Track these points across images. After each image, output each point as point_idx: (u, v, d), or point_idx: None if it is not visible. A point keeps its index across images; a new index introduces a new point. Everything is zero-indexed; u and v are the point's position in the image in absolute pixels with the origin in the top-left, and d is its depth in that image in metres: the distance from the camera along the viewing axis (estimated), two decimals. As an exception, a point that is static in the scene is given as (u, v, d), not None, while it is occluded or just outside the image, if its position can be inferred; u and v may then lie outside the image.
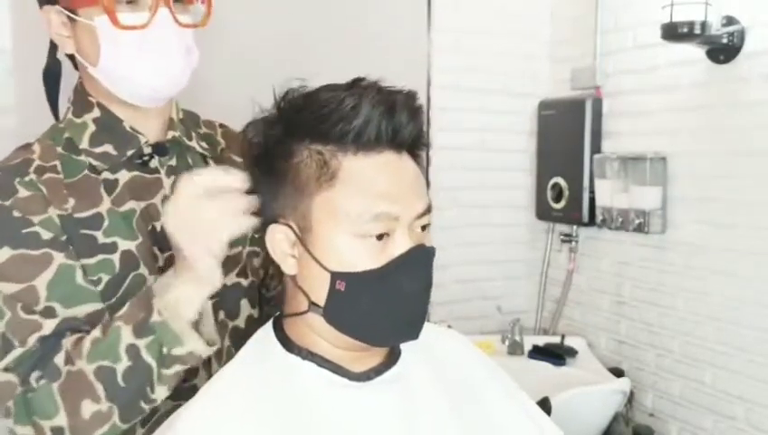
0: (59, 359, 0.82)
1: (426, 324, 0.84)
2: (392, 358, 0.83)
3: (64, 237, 0.87)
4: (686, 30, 1.72)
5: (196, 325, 0.85)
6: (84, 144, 0.93)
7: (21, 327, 0.83)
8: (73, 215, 0.89)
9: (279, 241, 0.79)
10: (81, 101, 0.96)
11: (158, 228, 0.93)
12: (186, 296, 0.82)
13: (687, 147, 1.92)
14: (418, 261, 0.77)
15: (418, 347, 0.85)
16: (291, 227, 0.78)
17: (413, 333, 0.79)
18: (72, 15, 0.89)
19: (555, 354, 2.10)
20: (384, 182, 0.75)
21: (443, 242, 2.25)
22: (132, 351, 0.80)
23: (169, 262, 0.91)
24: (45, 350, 0.82)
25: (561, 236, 2.34)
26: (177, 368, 0.83)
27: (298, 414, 0.75)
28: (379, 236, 0.75)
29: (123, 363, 0.80)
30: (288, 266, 0.79)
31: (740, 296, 1.79)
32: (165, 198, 0.93)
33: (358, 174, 0.75)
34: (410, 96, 0.79)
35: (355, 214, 0.74)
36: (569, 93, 2.28)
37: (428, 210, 0.79)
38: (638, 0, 2.03)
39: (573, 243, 2.30)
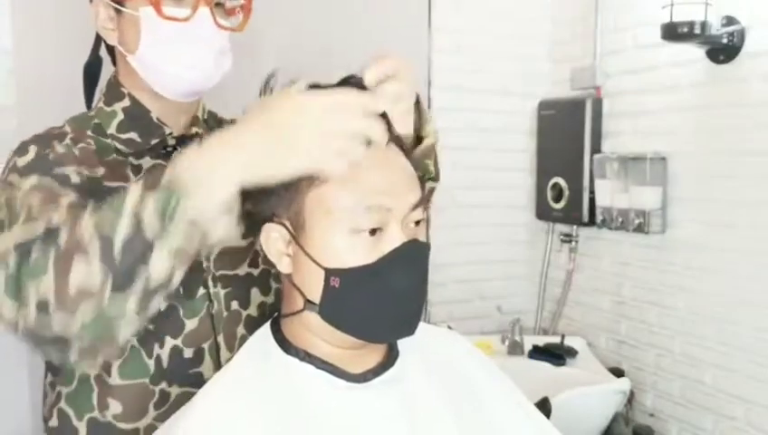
0: (64, 230, 0.74)
1: (424, 325, 0.84)
2: (390, 359, 0.83)
3: (89, 191, 0.85)
4: (686, 30, 1.72)
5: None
6: (112, 130, 0.97)
7: (34, 211, 0.79)
8: (103, 181, 0.91)
9: (274, 240, 0.79)
10: (114, 91, 1.00)
11: None
12: (219, 158, 0.73)
13: (687, 147, 1.92)
14: (412, 256, 0.77)
15: (417, 348, 0.85)
16: (285, 225, 0.78)
17: (409, 328, 0.79)
18: (118, 7, 0.94)
19: (555, 354, 2.10)
20: (375, 175, 0.75)
21: (442, 242, 2.26)
22: (136, 213, 0.72)
23: None
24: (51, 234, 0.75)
25: (561, 236, 2.34)
26: (181, 236, 0.72)
27: (297, 416, 0.75)
28: (372, 232, 0.74)
29: (123, 225, 0.72)
30: (283, 265, 0.79)
31: (740, 296, 1.79)
32: None
33: (349, 168, 0.75)
34: None
35: (347, 208, 0.74)
36: (569, 93, 2.29)
37: (421, 203, 0.79)
38: (638, 0, 2.03)
39: (573, 243, 2.30)
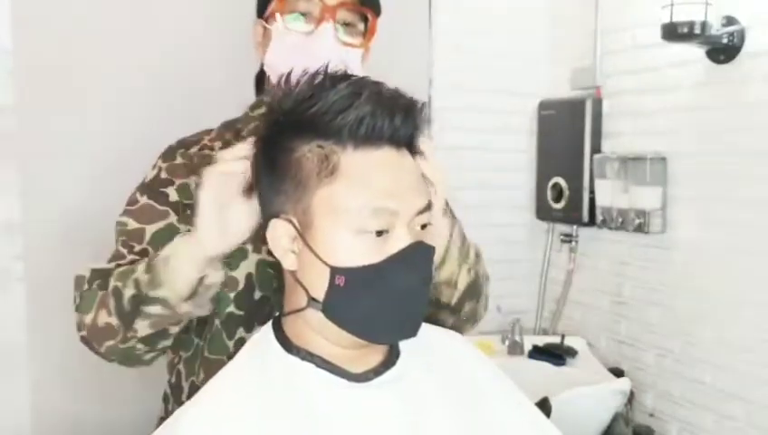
0: (112, 277, 0.96)
1: (426, 325, 0.84)
2: (391, 359, 0.83)
3: (188, 202, 1.02)
4: (686, 30, 1.72)
5: (193, 290, 0.91)
6: (244, 133, 1.07)
7: (112, 254, 1.02)
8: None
9: (280, 237, 0.79)
10: (257, 99, 1.14)
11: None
12: (178, 251, 0.90)
13: (687, 147, 1.92)
14: (417, 258, 0.77)
15: (418, 348, 0.85)
16: (291, 222, 0.78)
17: (411, 330, 0.80)
18: (265, 25, 1.08)
19: (555, 354, 2.10)
20: (384, 178, 0.75)
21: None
22: (136, 281, 0.92)
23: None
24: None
25: (561, 236, 2.34)
26: (156, 310, 0.91)
27: (298, 415, 0.75)
28: (379, 233, 0.75)
29: (129, 289, 0.92)
30: (288, 262, 0.79)
31: (740, 296, 1.79)
32: None
33: (358, 169, 0.75)
34: (410, 97, 0.79)
35: (355, 209, 0.74)
36: (569, 93, 2.29)
37: (428, 208, 0.79)
38: (638, 0, 2.03)
39: (573, 243, 2.30)
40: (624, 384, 1.91)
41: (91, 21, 1.69)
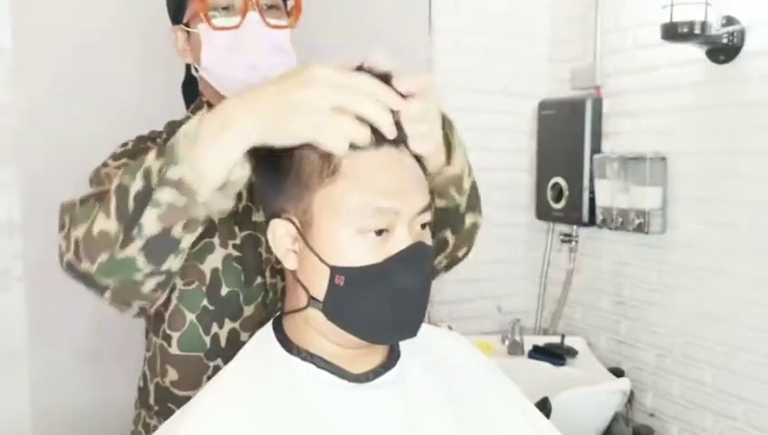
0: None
1: (425, 326, 0.84)
2: (392, 359, 0.83)
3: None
4: (686, 30, 1.72)
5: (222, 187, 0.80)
6: None
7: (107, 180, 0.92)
8: None
9: (281, 236, 0.79)
10: (198, 102, 1.11)
11: (240, 209, 1.02)
12: (211, 135, 0.76)
13: (687, 147, 1.92)
14: (417, 258, 0.77)
15: (418, 348, 0.85)
16: (293, 221, 0.78)
17: (411, 330, 0.80)
18: (186, 29, 1.05)
19: (555, 354, 2.10)
20: (385, 177, 0.75)
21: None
22: (147, 171, 0.78)
23: (244, 241, 1.00)
24: None
25: (561, 236, 2.34)
26: (169, 196, 0.77)
27: (298, 416, 0.75)
28: (379, 232, 0.75)
29: (137, 183, 0.79)
30: (289, 261, 0.79)
31: (740, 296, 1.79)
32: None
33: (359, 169, 0.75)
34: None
35: (355, 208, 0.74)
36: (569, 93, 2.29)
37: (429, 207, 0.79)
38: (638, 0, 2.04)
39: (573, 243, 2.30)
40: (624, 384, 1.91)
41: (91, 21, 1.70)
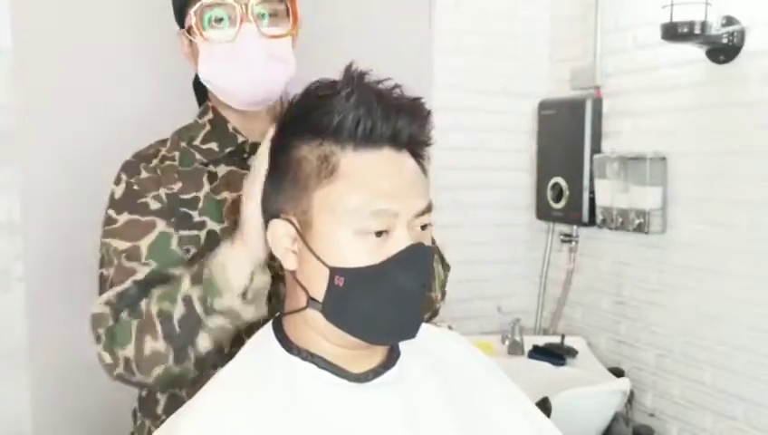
0: (144, 303, 0.95)
1: (425, 326, 0.84)
2: (391, 359, 0.83)
3: (168, 210, 1.02)
4: (686, 30, 1.72)
5: (245, 294, 0.90)
6: (198, 141, 1.09)
7: (121, 272, 0.98)
8: (179, 195, 1.03)
9: (280, 236, 0.79)
10: (204, 106, 1.13)
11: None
12: (231, 256, 0.88)
13: (687, 147, 1.92)
14: (417, 259, 0.77)
15: (418, 348, 0.85)
16: (292, 222, 0.78)
17: (410, 331, 0.80)
18: (188, 37, 1.06)
19: (555, 354, 2.10)
20: (384, 179, 0.75)
21: (443, 242, 2.25)
22: (187, 299, 0.91)
23: None
24: (137, 294, 0.96)
25: (561, 236, 2.34)
26: (219, 321, 0.90)
27: (298, 415, 0.75)
28: (379, 233, 0.75)
29: (179, 309, 0.91)
30: (288, 262, 0.80)
31: (740, 296, 1.79)
32: None
33: (358, 170, 0.75)
34: (413, 98, 0.79)
35: (354, 209, 0.74)
36: (569, 93, 2.29)
37: (429, 209, 0.79)
38: (638, 0, 2.03)
39: (573, 243, 2.30)
40: (624, 384, 1.91)
41: (92, 21, 1.69)
